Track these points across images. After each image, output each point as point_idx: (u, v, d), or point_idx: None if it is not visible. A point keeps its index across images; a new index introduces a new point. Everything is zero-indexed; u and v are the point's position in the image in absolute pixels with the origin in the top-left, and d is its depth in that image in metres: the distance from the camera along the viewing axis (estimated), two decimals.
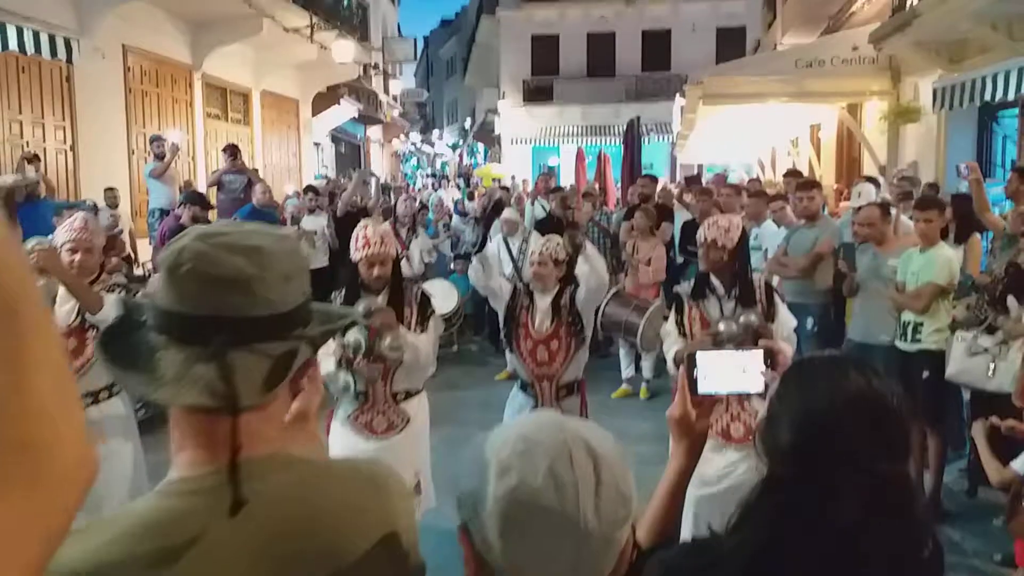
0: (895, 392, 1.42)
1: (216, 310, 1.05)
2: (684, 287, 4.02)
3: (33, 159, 9.01)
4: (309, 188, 9.68)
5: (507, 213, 8.39)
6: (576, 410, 4.13)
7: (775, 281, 5.53)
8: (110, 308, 3.69)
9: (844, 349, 5.61)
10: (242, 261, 1.06)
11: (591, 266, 4.06)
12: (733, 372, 1.56)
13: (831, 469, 1.32)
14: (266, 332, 1.08)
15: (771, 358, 1.60)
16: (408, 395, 3.94)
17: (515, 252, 7.92)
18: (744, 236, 3.84)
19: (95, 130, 10.56)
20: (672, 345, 3.90)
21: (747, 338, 3.64)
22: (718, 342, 3.69)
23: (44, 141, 9.79)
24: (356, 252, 3.78)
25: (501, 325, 4.22)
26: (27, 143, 9.45)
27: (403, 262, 8.01)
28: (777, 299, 3.83)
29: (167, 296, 1.07)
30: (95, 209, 7.56)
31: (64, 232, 3.86)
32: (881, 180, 8.02)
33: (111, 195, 9.07)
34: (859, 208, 5.57)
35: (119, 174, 10.69)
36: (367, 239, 3.76)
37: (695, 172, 16.35)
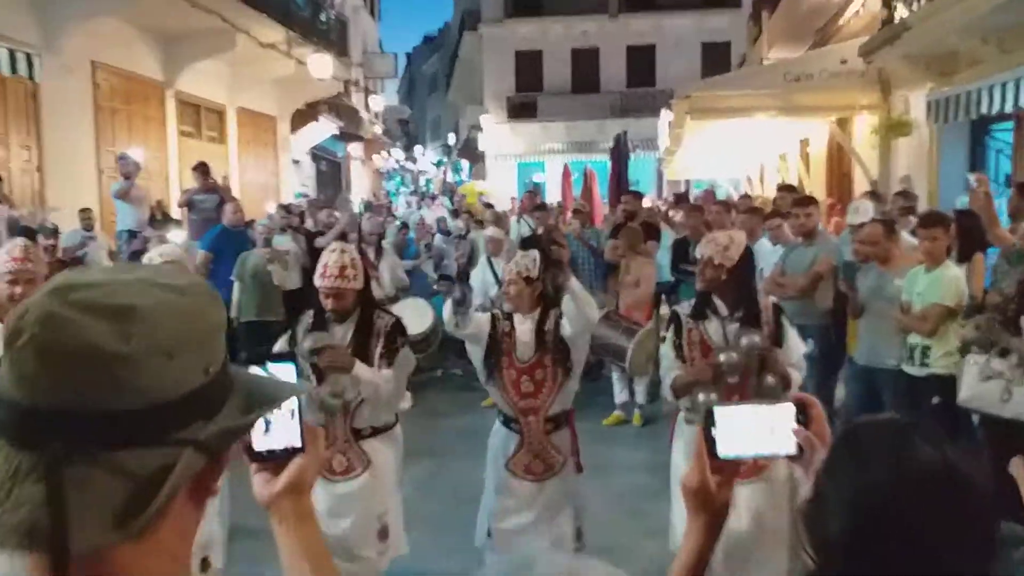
0: (975, 467, 1.12)
1: (62, 401, 0.72)
2: (684, 307, 3.73)
3: None
4: (282, 207, 9.35)
5: (491, 231, 8.06)
6: (566, 444, 3.79)
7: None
8: None
9: (847, 373, 5.34)
10: (104, 328, 0.73)
11: (577, 307, 3.61)
12: (759, 430, 1.30)
13: (894, 566, 1.07)
14: (131, 434, 0.74)
15: (803, 412, 1.32)
16: (376, 431, 3.64)
17: (500, 274, 7.57)
18: (748, 253, 3.57)
19: (63, 148, 10.20)
20: (669, 370, 3.61)
21: (751, 365, 3.37)
22: (719, 374, 3.41)
23: (9, 160, 9.41)
24: (317, 279, 3.54)
25: (481, 357, 3.83)
26: None
27: (373, 283, 7.69)
28: (786, 322, 3.58)
29: (3, 377, 0.74)
30: (54, 231, 7.16)
31: (2, 263, 3.51)
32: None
33: (85, 216, 8.67)
34: (859, 225, 5.30)
35: (88, 194, 10.28)
36: (324, 269, 3.50)
37: (683, 189, 16.15)
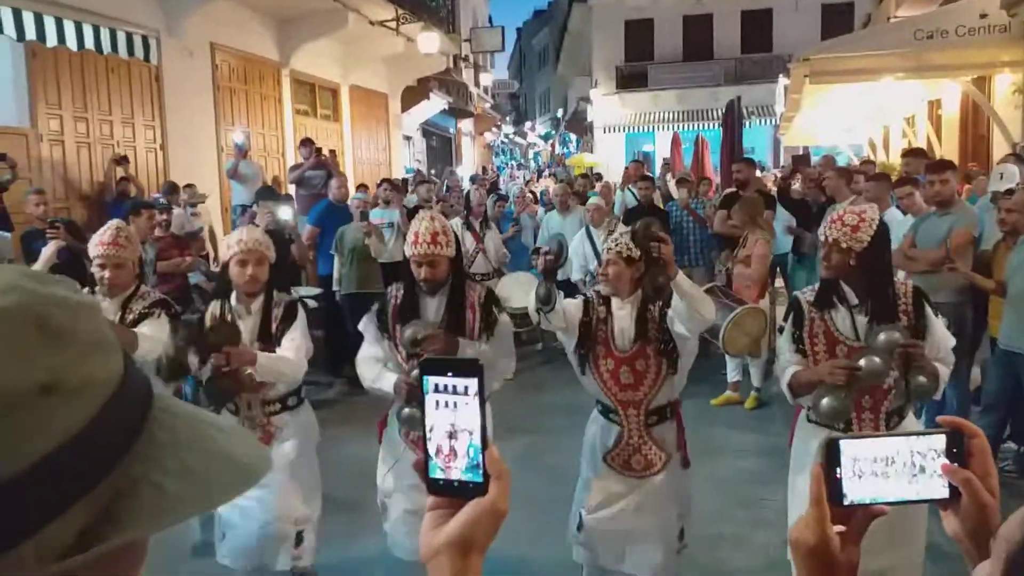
0: None
1: None
2: (806, 292, 3.25)
3: (122, 160, 9.10)
4: (384, 180, 9.41)
5: (594, 200, 7.81)
6: (671, 438, 3.45)
7: (900, 276, 4.82)
8: (148, 345, 3.40)
9: (993, 356, 4.88)
10: None
11: (689, 307, 3.07)
12: (898, 468, 0.99)
13: None
14: None
15: (958, 445, 0.99)
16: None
17: (599, 245, 7.36)
18: (882, 231, 3.01)
19: (184, 128, 10.60)
20: (787, 366, 3.18)
21: (891, 365, 2.90)
22: (854, 380, 2.92)
23: (134, 140, 9.86)
24: (408, 248, 3.40)
25: (573, 347, 3.45)
26: (117, 143, 9.54)
27: (479, 256, 7.64)
28: (929, 311, 3.07)
29: None
30: (168, 207, 7.40)
31: (93, 247, 3.57)
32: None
33: (190, 193, 9.02)
34: (1005, 192, 4.80)
35: (208, 171, 10.71)
36: (416, 236, 3.35)
37: (801, 152, 15.34)
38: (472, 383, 0.86)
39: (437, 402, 0.87)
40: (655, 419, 3.40)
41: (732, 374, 6.88)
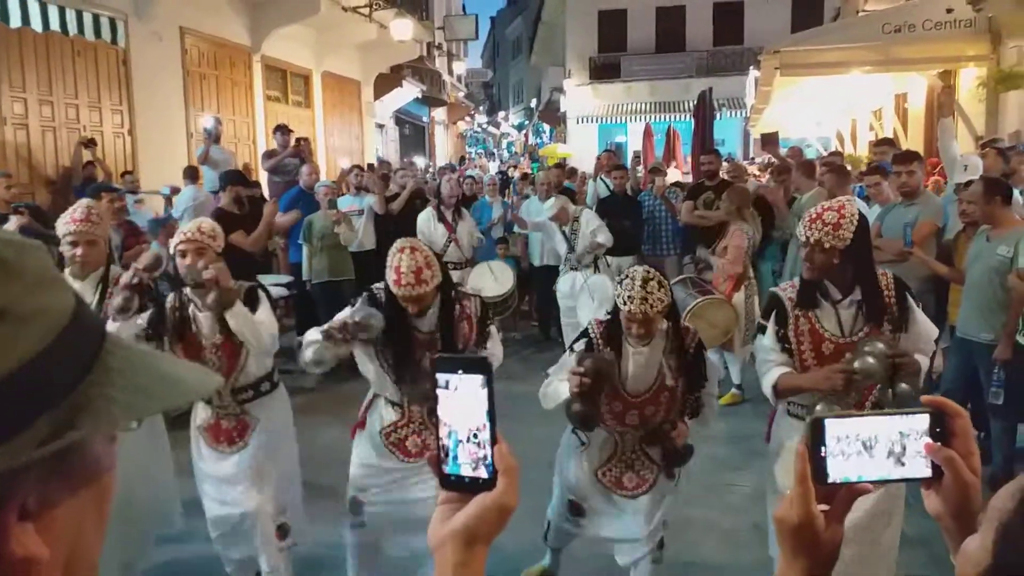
0: None
1: None
2: (786, 289, 3.08)
3: (89, 143, 8.96)
4: (356, 166, 9.38)
5: (551, 204, 7.64)
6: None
7: None
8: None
9: (951, 343, 4.99)
10: None
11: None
12: (882, 447, 0.99)
13: None
14: None
15: (941, 424, 0.99)
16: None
17: (567, 232, 7.33)
18: (864, 224, 2.91)
19: (153, 113, 10.47)
20: (770, 367, 3.04)
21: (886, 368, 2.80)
22: (851, 382, 2.81)
23: (101, 125, 9.72)
24: (392, 286, 3.13)
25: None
26: (84, 127, 9.39)
27: (451, 246, 7.62)
28: (911, 302, 2.98)
29: None
30: (119, 192, 7.24)
31: (63, 224, 3.50)
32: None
33: (129, 180, 8.94)
34: (966, 184, 4.91)
35: (178, 158, 10.57)
36: (399, 275, 3.07)
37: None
38: (481, 380, 0.88)
39: (449, 399, 0.89)
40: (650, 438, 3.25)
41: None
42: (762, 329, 3.13)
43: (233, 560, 3.68)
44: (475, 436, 0.88)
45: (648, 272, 2.99)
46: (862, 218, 2.91)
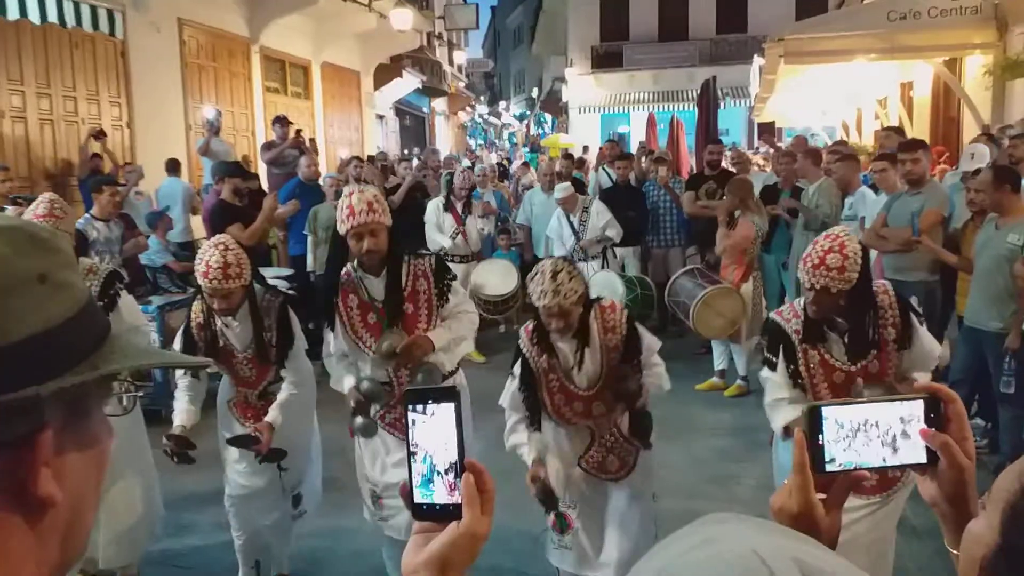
0: None
1: None
2: (788, 319, 3.04)
3: (100, 135, 8.89)
4: (355, 157, 9.32)
5: (561, 189, 7.61)
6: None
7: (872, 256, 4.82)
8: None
9: (959, 333, 4.93)
10: None
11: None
12: (879, 434, 0.99)
13: None
14: None
15: (936, 410, 0.99)
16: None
17: (576, 223, 7.34)
18: (865, 258, 2.87)
19: (151, 106, 10.40)
20: (783, 407, 3.00)
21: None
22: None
23: (100, 117, 9.65)
24: (341, 225, 3.20)
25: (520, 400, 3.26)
26: (82, 120, 9.33)
27: (458, 238, 7.56)
28: (915, 320, 2.96)
29: None
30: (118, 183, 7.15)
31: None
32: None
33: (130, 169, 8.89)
34: (974, 172, 4.84)
35: (177, 150, 10.50)
36: (351, 209, 3.15)
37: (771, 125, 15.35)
38: (450, 408, 0.90)
39: (419, 430, 0.91)
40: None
41: (718, 361, 6.71)
42: (769, 364, 3.09)
43: (245, 532, 3.72)
44: (446, 465, 0.90)
45: (556, 264, 3.01)
46: (864, 252, 2.88)
